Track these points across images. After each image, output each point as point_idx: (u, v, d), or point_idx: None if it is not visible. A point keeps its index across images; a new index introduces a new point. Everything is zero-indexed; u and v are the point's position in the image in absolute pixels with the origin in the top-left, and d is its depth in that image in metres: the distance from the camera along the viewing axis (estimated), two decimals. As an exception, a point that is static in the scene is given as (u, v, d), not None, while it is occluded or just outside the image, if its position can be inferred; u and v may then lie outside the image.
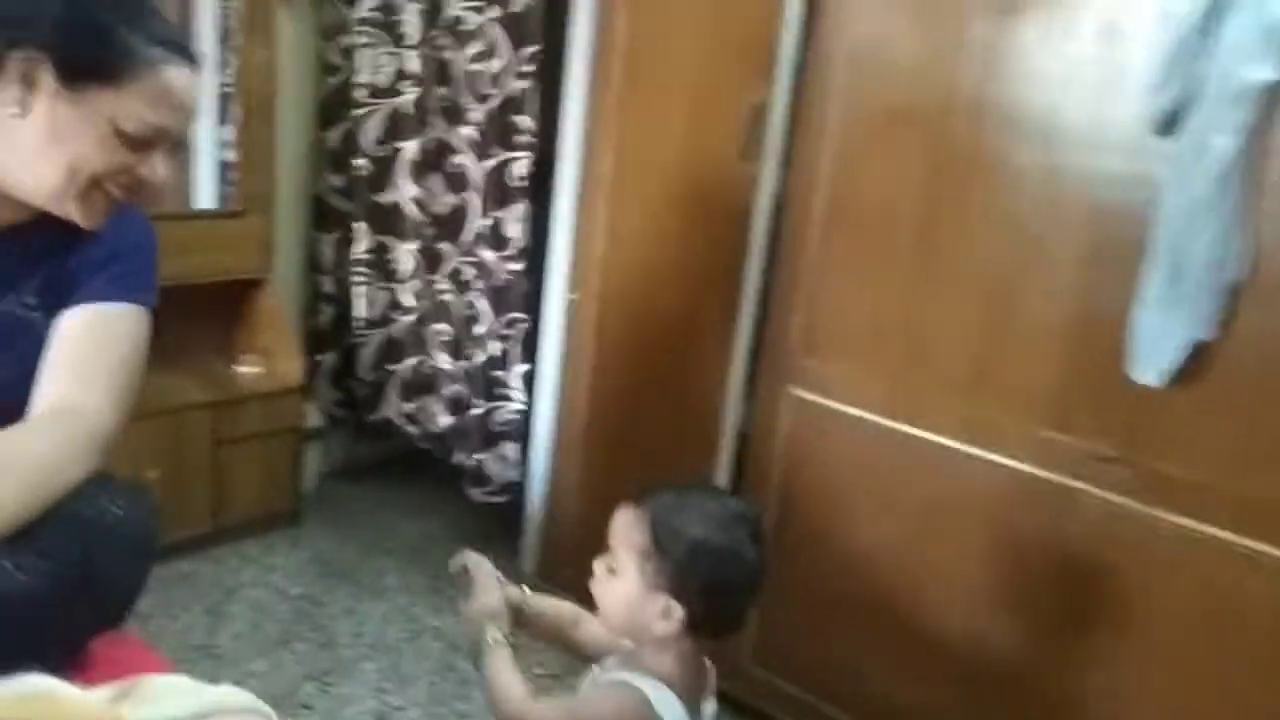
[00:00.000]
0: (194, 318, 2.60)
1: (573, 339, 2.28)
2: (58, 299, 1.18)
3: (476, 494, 2.56)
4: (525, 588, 1.33)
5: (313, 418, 2.78)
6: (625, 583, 1.14)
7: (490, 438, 2.52)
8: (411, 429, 2.72)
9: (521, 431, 2.48)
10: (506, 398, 2.49)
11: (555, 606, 1.34)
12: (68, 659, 1.07)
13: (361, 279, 2.68)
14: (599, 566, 1.18)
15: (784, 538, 1.96)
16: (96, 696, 0.91)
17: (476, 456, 2.54)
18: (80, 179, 1.10)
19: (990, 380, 1.68)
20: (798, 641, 1.98)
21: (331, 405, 2.87)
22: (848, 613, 1.90)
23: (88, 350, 1.16)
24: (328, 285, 2.80)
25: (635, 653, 1.18)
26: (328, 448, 2.93)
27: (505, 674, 1.18)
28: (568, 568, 2.35)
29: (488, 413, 2.51)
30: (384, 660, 2.13)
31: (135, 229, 1.26)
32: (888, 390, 1.79)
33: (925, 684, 1.81)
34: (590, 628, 1.30)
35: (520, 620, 1.28)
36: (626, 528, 1.15)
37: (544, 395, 2.37)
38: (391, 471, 3.00)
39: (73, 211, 1.12)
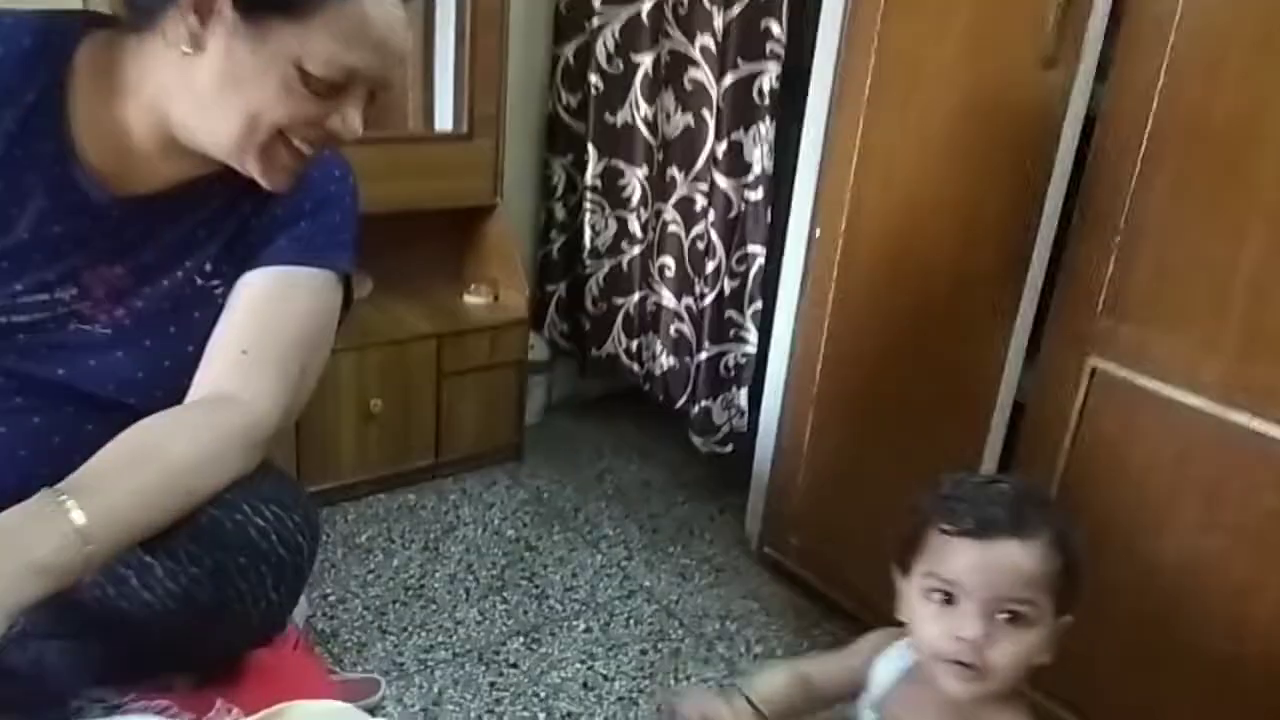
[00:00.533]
0: (422, 245, 2.54)
1: (814, 279, 1.99)
2: (239, 265, 1.04)
3: (701, 443, 2.36)
4: (748, 697, 1.06)
5: (539, 350, 2.67)
6: (1042, 626, 0.91)
7: (718, 383, 2.30)
8: (635, 367, 2.55)
9: (753, 377, 2.24)
10: (740, 339, 2.25)
11: (785, 686, 1.09)
12: (209, 674, 0.95)
13: (591, 206, 2.51)
14: (980, 627, 0.90)
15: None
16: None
17: (703, 403, 2.33)
18: (261, 130, 0.92)
19: (1386, 367, 1.24)
20: (1080, 664, 1.63)
21: (559, 337, 2.75)
22: (1140, 635, 1.54)
23: (260, 326, 1.01)
24: (560, 212, 2.65)
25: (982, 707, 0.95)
26: (553, 381, 2.82)
27: None
28: (794, 535, 2.11)
29: (717, 356, 2.29)
30: (595, 620, 1.99)
31: (329, 178, 1.09)
32: (1228, 370, 1.38)
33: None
34: (823, 671, 1.08)
35: None
36: (1035, 564, 0.89)
37: (777, 344, 2.10)
38: (617, 407, 2.85)
39: (253, 167, 0.95)
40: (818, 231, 1.95)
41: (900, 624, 1.03)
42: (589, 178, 2.49)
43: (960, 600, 0.90)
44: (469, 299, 2.50)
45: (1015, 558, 0.89)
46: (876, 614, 1.96)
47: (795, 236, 2.01)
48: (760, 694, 1.06)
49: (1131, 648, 1.56)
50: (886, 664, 1.06)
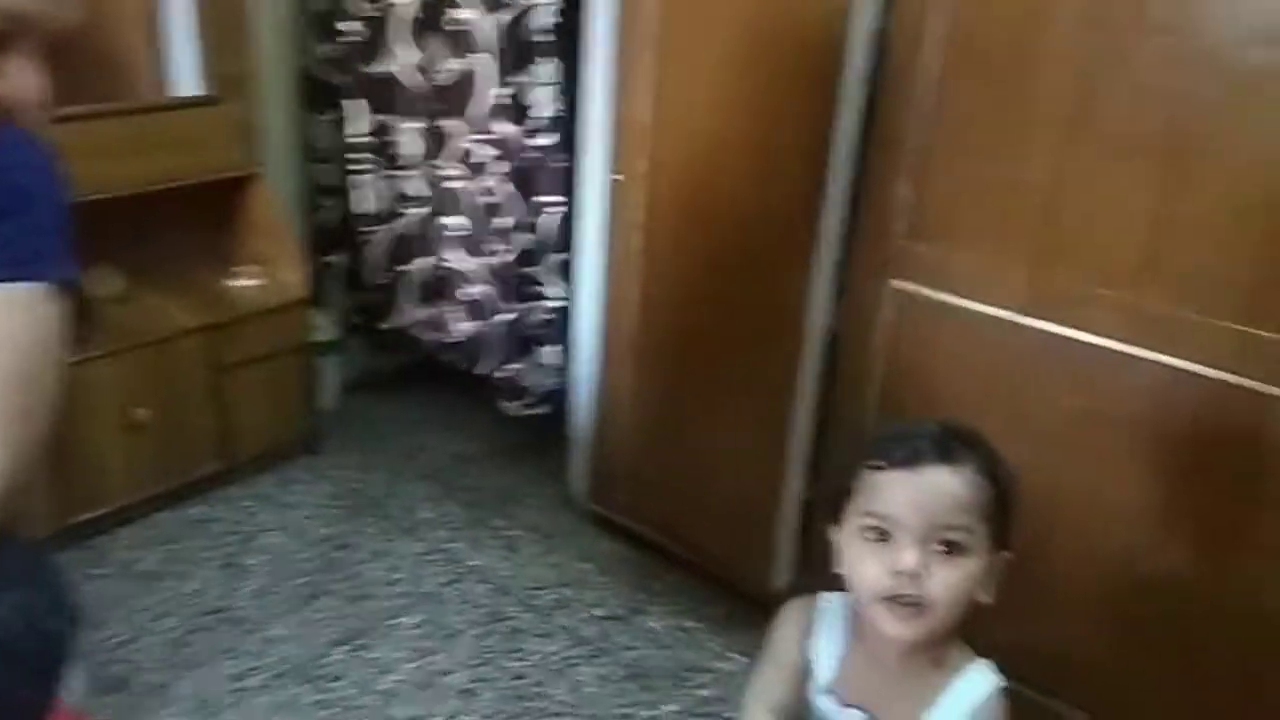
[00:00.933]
0: (176, 228, 2.27)
1: (618, 227, 1.90)
2: None
3: (512, 408, 2.25)
4: None
5: (325, 329, 2.46)
6: (979, 555, 0.91)
7: (524, 343, 2.19)
8: (430, 338, 2.39)
9: (562, 332, 2.15)
10: (541, 295, 2.14)
11: None
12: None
13: (361, 167, 2.31)
14: (926, 559, 0.89)
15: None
16: None
17: (511, 366, 2.22)
18: None
19: (1165, 265, 1.30)
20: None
21: (348, 312, 2.54)
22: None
23: None
24: (329, 176, 2.43)
25: (932, 654, 0.96)
26: (346, 361, 2.61)
27: None
28: (622, 491, 2.06)
29: (520, 315, 2.17)
30: (424, 612, 1.87)
31: (23, 169, 0.88)
32: (1026, 281, 1.42)
33: (1064, 624, 1.51)
34: (782, 689, 1.02)
35: None
36: (967, 490, 0.90)
37: (584, 294, 2.01)
38: (420, 380, 2.68)
39: None
40: (618, 176, 1.86)
41: (806, 594, 1.03)
42: (355, 136, 2.29)
43: (896, 534, 0.89)
44: (238, 282, 2.26)
45: (946, 484, 0.89)
46: (713, 558, 1.96)
47: (592, 182, 1.92)
48: None
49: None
50: (825, 644, 1.02)
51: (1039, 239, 1.38)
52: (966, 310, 1.48)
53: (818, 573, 1.75)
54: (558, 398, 2.20)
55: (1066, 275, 1.38)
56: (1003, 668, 1.59)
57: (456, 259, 2.26)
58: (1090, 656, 1.50)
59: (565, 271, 2.10)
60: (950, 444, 0.92)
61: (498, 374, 2.24)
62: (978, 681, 0.95)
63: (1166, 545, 1.39)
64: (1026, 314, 1.43)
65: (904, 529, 0.89)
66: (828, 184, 1.55)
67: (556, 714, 1.64)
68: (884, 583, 0.89)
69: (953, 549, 0.89)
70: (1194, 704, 1.41)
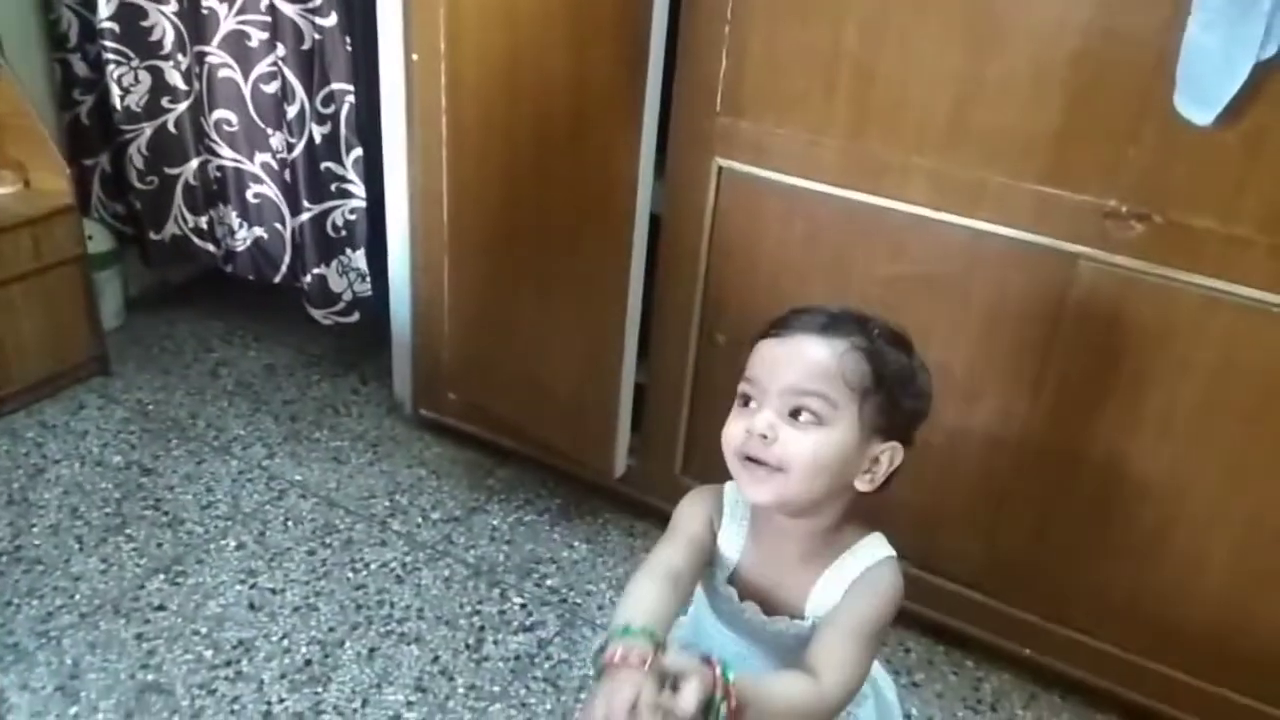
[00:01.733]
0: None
1: (419, 112, 1.79)
2: None
3: (322, 315, 2.13)
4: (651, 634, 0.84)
5: (99, 239, 2.22)
6: (842, 429, 0.88)
7: (328, 245, 2.06)
8: (210, 247, 2.21)
9: (366, 233, 2.02)
10: (344, 193, 2.01)
11: (660, 597, 0.90)
12: None
13: (113, 56, 2.06)
14: (774, 421, 0.88)
15: (713, 338, 1.66)
16: None
17: (315, 271, 2.08)
18: None
19: (971, 130, 1.34)
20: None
21: (113, 220, 2.30)
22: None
23: None
24: (80, 66, 2.16)
25: (820, 540, 0.95)
26: (127, 273, 2.38)
27: (763, 696, 0.80)
28: (450, 389, 2.00)
29: (320, 215, 2.03)
30: (247, 533, 1.77)
31: None
32: (840, 152, 1.43)
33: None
34: (685, 558, 0.95)
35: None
36: (832, 359, 0.88)
37: (392, 187, 1.90)
38: (216, 289, 2.49)
39: None
40: (414, 56, 1.74)
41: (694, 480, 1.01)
42: (102, 21, 2.03)
43: (758, 399, 0.90)
44: (-10, 190, 2.00)
45: (811, 351, 0.88)
46: (550, 450, 1.94)
47: (389, 64, 1.79)
48: (646, 617, 0.85)
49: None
50: (728, 534, 1.00)
51: (854, 107, 1.40)
52: (784, 184, 1.49)
53: (656, 457, 1.78)
54: (368, 305, 2.09)
55: (880, 143, 1.40)
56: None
57: (233, 157, 2.07)
58: (902, 503, 1.60)
59: (365, 168, 1.97)
60: (838, 320, 0.91)
61: (302, 280, 2.10)
62: (867, 553, 0.94)
63: (979, 400, 1.48)
64: (842, 185, 1.45)
65: (763, 391, 0.89)
66: (647, 57, 1.50)
67: (401, 619, 1.61)
68: (739, 443, 0.89)
69: (807, 415, 0.87)
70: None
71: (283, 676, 1.49)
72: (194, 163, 2.13)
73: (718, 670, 0.77)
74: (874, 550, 0.95)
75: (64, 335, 2.07)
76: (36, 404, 2.04)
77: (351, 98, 1.92)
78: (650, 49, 1.49)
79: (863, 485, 0.91)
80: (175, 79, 2.07)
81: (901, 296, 1.47)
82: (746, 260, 1.59)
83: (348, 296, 2.10)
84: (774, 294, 1.57)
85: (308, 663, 1.52)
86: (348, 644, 1.55)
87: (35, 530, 1.73)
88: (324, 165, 1.98)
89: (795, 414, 0.88)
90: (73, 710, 1.42)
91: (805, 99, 1.44)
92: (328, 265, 2.07)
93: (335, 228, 2.04)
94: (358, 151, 1.96)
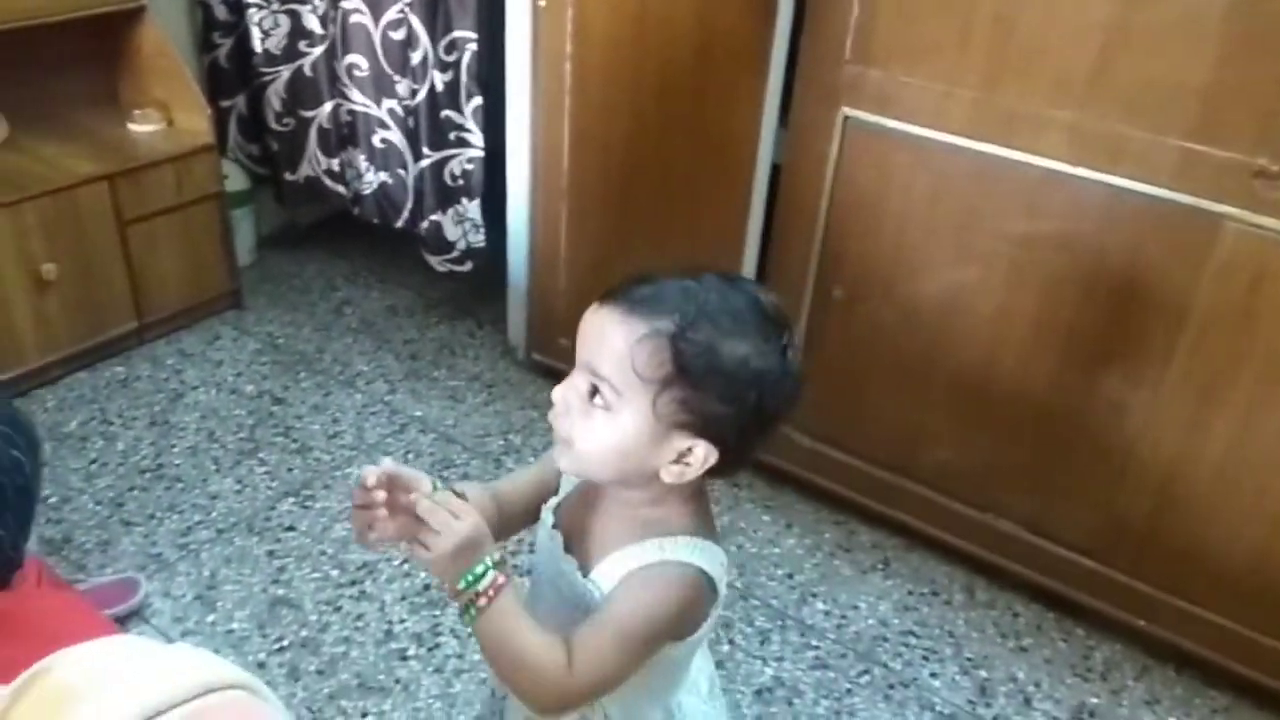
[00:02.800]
0: (62, 68, 2.10)
1: (544, 59, 1.81)
2: None
3: (438, 262, 2.18)
4: (432, 480, 0.80)
5: (235, 178, 2.32)
6: (628, 420, 0.77)
7: (446, 194, 2.10)
8: (340, 189, 2.28)
9: (482, 183, 2.06)
10: (462, 142, 2.04)
11: (477, 496, 0.87)
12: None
13: (253, 0, 2.13)
14: (568, 394, 0.79)
15: (829, 293, 1.65)
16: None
17: (432, 218, 2.13)
18: None
19: (1115, 81, 1.30)
20: (844, 404, 1.72)
21: (248, 161, 2.40)
22: (907, 372, 1.62)
23: None
24: (220, 9, 2.24)
25: (640, 512, 0.84)
26: (260, 212, 2.49)
27: (514, 625, 0.77)
28: (563, 336, 2.03)
29: (439, 163, 2.08)
30: (369, 462, 1.83)
31: None
32: (973, 104, 1.40)
33: (998, 444, 1.58)
34: (512, 484, 0.93)
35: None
36: (625, 344, 0.76)
37: (514, 134, 1.93)
38: (342, 231, 2.58)
39: None
40: (541, 2, 1.76)
41: None
42: (247, -36, 2.11)
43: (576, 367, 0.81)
44: (136, 127, 2.11)
45: (607, 329, 0.77)
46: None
47: (516, 10, 1.81)
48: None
49: (895, 385, 1.65)
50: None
51: (990, 57, 1.36)
52: (912, 136, 1.47)
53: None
54: (481, 255, 2.13)
55: (1016, 95, 1.37)
56: (940, 488, 1.67)
57: (362, 102, 2.13)
58: (1020, 468, 1.58)
59: (484, 117, 2.00)
60: (656, 298, 0.77)
61: (420, 225, 2.16)
62: (674, 549, 0.82)
63: (1108, 363, 1.44)
64: (973, 137, 1.42)
65: (577, 359, 0.81)
66: (776, 5, 1.49)
67: (514, 551, 1.66)
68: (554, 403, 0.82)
69: (596, 397, 0.78)
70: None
71: (403, 598, 1.57)
72: (327, 106, 2.20)
73: (496, 553, 0.75)
74: (683, 551, 0.82)
75: (202, 269, 2.18)
76: (175, 333, 2.16)
77: (474, 45, 1.95)
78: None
79: (669, 477, 0.80)
80: (312, 23, 2.13)
81: (1031, 254, 1.44)
82: (868, 214, 1.57)
83: (462, 245, 2.14)
84: (896, 249, 1.55)
85: (426, 588, 1.59)
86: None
87: (175, 450, 1.84)
88: (444, 113, 2.02)
89: (593, 391, 0.79)
90: (210, 618, 1.52)
91: (939, 48, 1.40)
92: (444, 213, 2.12)
93: (453, 176, 2.08)
94: (477, 100, 1.99)
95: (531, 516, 0.93)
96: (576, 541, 0.88)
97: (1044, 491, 1.57)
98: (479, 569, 0.75)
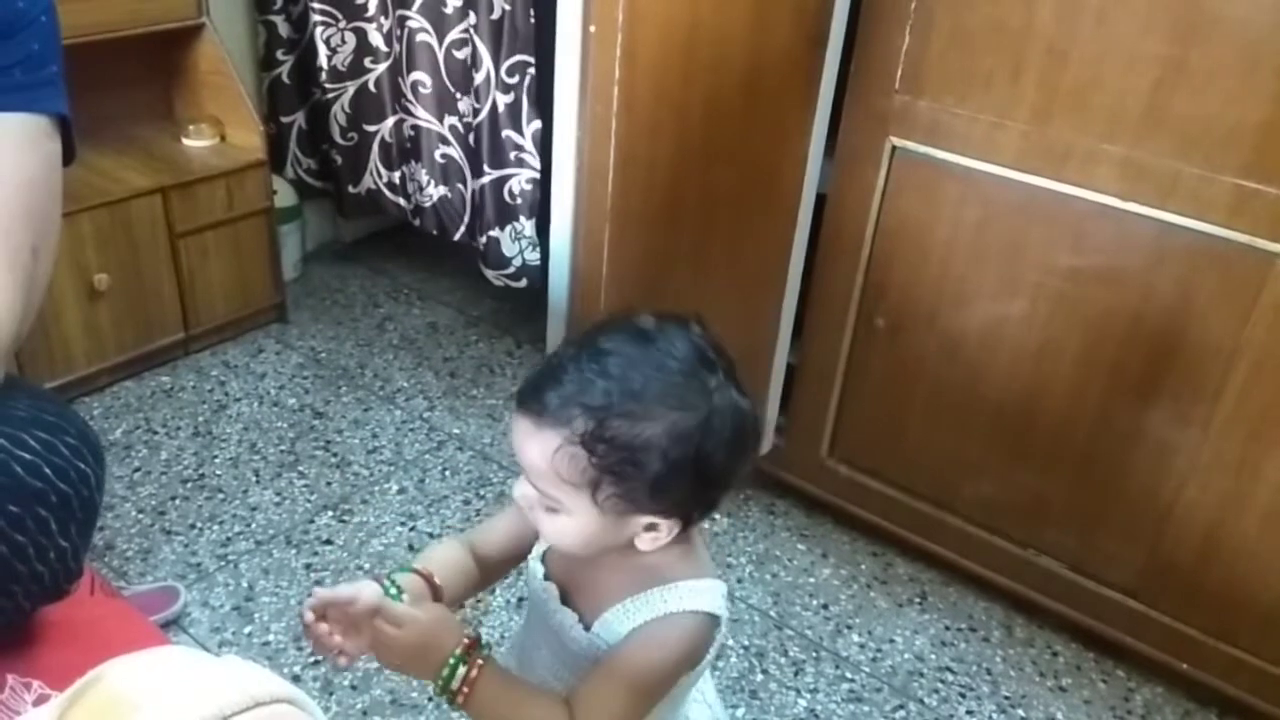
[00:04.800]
0: (118, 83, 2.14)
1: (594, 83, 1.83)
2: None
3: (494, 276, 2.20)
4: (385, 579, 0.82)
5: (284, 194, 2.36)
6: (580, 519, 0.77)
7: (504, 210, 2.13)
8: (401, 201, 2.32)
9: (538, 204, 2.09)
10: (521, 162, 2.07)
11: (450, 551, 0.90)
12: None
13: (321, 17, 2.18)
14: (524, 496, 0.79)
15: (871, 322, 1.64)
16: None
17: (490, 233, 2.16)
18: None
19: (1169, 117, 1.29)
20: (884, 434, 1.71)
21: (307, 176, 2.44)
22: (949, 404, 1.61)
23: None
24: (283, 28, 2.29)
25: (635, 560, 0.83)
26: (306, 228, 2.52)
27: (506, 702, 0.78)
28: (603, 357, 2.04)
29: (498, 181, 2.11)
30: (408, 479, 1.86)
31: None
32: (1023, 135, 1.40)
33: (1040, 480, 1.56)
34: (485, 533, 0.93)
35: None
36: (544, 459, 0.75)
37: (560, 159, 1.95)
38: (383, 249, 2.62)
39: None
40: (592, 27, 1.78)
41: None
42: (312, -16, 2.15)
43: None
44: (190, 142, 2.15)
45: (525, 445, 0.76)
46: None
47: (566, 35, 1.83)
48: (426, 560, 0.88)
49: (936, 416, 1.64)
50: None
51: (1042, 89, 1.36)
52: (960, 167, 1.47)
53: (803, 438, 1.78)
54: (535, 273, 2.16)
55: (1068, 128, 1.36)
56: (980, 523, 1.65)
57: (425, 118, 2.16)
58: (1063, 505, 1.56)
59: (543, 139, 2.03)
60: (560, 400, 0.75)
61: (478, 240, 2.19)
62: (680, 597, 0.81)
63: (1154, 402, 1.42)
64: (1023, 170, 1.41)
65: None
66: (828, 34, 1.49)
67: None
68: None
69: (546, 504, 0.78)
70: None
71: (437, 616, 1.57)
72: (390, 121, 2.23)
73: (465, 639, 0.76)
74: (689, 599, 0.81)
75: (248, 282, 2.21)
76: (220, 345, 2.19)
77: (533, 69, 1.98)
78: (832, 23, 1.48)
79: (645, 546, 0.80)
80: (377, 40, 2.17)
81: (1079, 288, 1.43)
82: (914, 244, 1.56)
83: (518, 262, 2.16)
84: (941, 280, 1.55)
85: (460, 605, 1.59)
86: (498, 591, 1.62)
87: (217, 461, 1.87)
88: (505, 133, 2.05)
89: (542, 495, 0.78)
90: (247, 629, 1.53)
91: (990, 79, 1.40)
92: (502, 229, 2.15)
93: (511, 194, 2.11)
94: (537, 124, 2.02)
95: (512, 563, 0.93)
96: (572, 592, 0.87)
97: (1087, 530, 1.54)
98: (445, 671, 0.75)
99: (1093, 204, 1.37)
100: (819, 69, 1.52)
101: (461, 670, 0.75)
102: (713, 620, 0.82)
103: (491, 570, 0.92)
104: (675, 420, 0.74)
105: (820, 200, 1.66)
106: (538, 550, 0.91)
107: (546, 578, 0.89)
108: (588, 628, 0.85)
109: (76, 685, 0.64)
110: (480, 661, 0.76)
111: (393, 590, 0.79)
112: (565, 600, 0.87)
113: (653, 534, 0.79)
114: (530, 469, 0.77)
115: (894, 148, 1.52)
